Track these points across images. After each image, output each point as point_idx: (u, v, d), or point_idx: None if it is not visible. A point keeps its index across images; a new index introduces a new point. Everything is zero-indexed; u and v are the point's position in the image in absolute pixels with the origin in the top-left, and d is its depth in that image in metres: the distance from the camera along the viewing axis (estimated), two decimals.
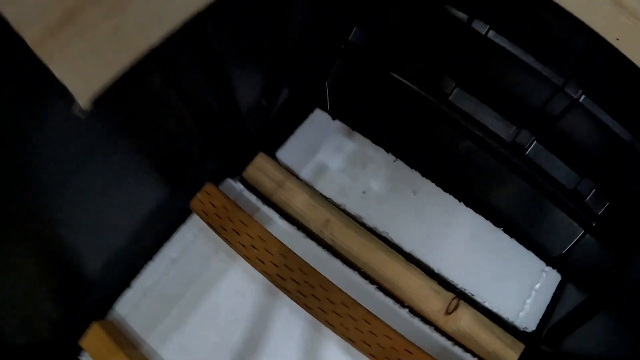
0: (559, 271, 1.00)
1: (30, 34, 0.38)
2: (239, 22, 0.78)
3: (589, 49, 0.77)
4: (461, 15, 0.86)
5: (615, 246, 0.93)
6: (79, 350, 0.86)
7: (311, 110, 1.06)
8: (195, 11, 0.50)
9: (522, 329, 0.95)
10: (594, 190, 0.97)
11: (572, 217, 1.00)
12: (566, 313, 0.91)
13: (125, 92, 0.58)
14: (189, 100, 0.78)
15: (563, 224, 1.01)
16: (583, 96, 0.85)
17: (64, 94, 0.43)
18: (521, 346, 0.90)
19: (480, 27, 0.87)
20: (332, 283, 0.85)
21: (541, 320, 0.96)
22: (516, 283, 0.96)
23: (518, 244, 1.00)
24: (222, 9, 0.55)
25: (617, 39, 0.59)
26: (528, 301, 0.96)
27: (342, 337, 0.83)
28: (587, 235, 1.00)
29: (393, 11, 0.95)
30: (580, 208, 0.98)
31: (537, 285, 0.97)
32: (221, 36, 0.73)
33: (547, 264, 1.00)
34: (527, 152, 0.98)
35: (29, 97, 0.50)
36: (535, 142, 0.98)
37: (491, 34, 0.87)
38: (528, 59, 0.87)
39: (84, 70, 0.44)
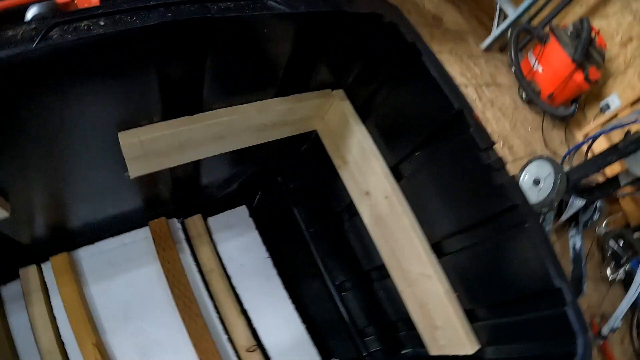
0: None
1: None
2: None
3: None
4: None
5: None
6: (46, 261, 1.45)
7: (240, 204, 1.74)
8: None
9: None
10: (373, 336, 1.60)
11: (353, 344, 1.61)
12: None
13: None
14: (177, 174, 1.41)
15: (346, 344, 1.62)
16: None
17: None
18: None
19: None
20: (197, 301, 1.47)
21: None
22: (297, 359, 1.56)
23: (310, 339, 1.61)
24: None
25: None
26: None
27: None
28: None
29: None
30: (361, 342, 1.60)
31: None
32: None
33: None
34: (344, 294, 1.62)
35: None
36: (351, 291, 1.62)
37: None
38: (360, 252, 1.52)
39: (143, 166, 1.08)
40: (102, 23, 0.65)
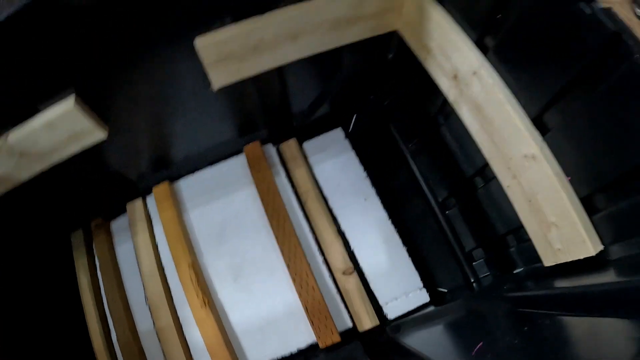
0: (430, 294, 1.47)
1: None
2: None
3: None
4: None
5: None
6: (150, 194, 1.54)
7: (336, 127, 1.67)
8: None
9: (383, 315, 1.44)
10: (482, 260, 1.44)
11: (460, 270, 1.47)
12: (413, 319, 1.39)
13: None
14: (264, 93, 1.40)
15: (451, 270, 1.48)
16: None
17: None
18: (376, 321, 1.40)
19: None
20: (291, 221, 1.44)
21: (398, 316, 1.45)
22: (397, 284, 1.46)
23: (411, 262, 1.49)
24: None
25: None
26: (397, 299, 1.45)
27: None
28: (465, 285, 1.46)
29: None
30: (468, 267, 1.45)
31: (410, 295, 1.45)
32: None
33: (424, 286, 1.47)
34: (448, 212, 1.48)
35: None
36: (455, 208, 1.47)
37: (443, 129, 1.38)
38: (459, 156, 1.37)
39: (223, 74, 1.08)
40: None
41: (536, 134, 0.97)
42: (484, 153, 1.13)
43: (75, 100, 0.97)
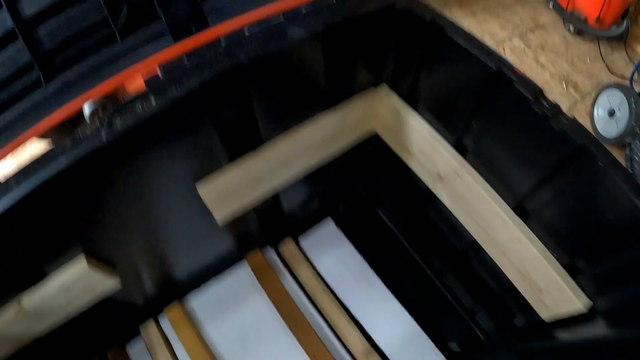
0: (445, 356, 1.60)
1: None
2: None
3: None
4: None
5: None
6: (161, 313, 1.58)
7: (325, 217, 1.79)
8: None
9: None
10: (483, 313, 1.58)
11: (465, 326, 1.60)
12: None
13: None
14: (258, 207, 1.50)
15: (457, 326, 1.62)
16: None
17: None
18: None
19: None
20: (307, 320, 1.54)
21: None
22: (414, 352, 1.59)
23: (421, 329, 1.62)
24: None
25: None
26: None
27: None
28: (472, 338, 1.60)
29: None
30: (472, 322, 1.59)
31: (426, 357, 1.58)
32: None
33: (435, 345, 1.61)
34: (445, 279, 1.62)
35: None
36: (451, 276, 1.61)
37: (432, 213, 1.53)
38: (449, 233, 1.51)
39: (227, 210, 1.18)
40: (153, 101, 0.74)
41: (518, 220, 1.11)
42: (473, 235, 1.27)
43: (87, 260, 0.98)
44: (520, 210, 1.12)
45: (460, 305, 1.58)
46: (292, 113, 1.14)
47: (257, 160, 1.12)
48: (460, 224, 1.29)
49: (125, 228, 1.06)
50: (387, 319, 1.63)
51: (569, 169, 0.96)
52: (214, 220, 1.19)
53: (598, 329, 1.01)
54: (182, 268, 1.54)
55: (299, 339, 1.53)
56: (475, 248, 1.37)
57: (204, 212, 1.15)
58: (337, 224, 1.80)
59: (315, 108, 1.17)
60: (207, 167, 1.08)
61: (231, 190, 1.14)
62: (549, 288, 1.08)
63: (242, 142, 1.09)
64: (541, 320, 1.20)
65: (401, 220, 1.64)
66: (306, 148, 1.21)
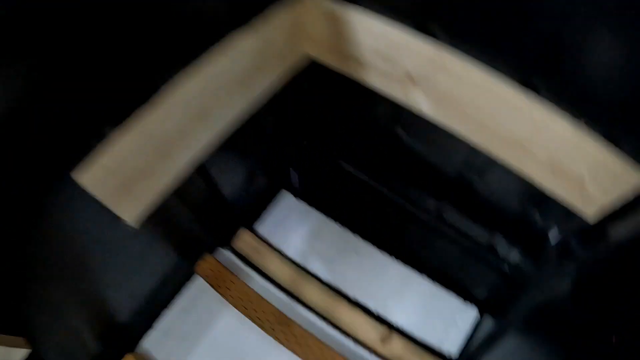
0: (476, 306, 1.29)
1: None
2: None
3: None
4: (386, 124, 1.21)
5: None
6: None
7: (278, 191, 1.42)
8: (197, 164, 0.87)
9: (446, 355, 1.24)
10: (504, 241, 1.29)
11: (487, 265, 1.30)
12: (482, 340, 1.20)
13: None
14: (189, 199, 1.13)
15: (481, 269, 1.32)
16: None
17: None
18: None
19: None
20: (294, 321, 1.18)
21: (463, 346, 1.25)
22: (439, 316, 1.26)
23: (440, 286, 1.30)
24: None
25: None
26: (450, 330, 1.25)
27: None
28: (500, 277, 1.30)
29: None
30: (494, 256, 1.29)
31: (457, 318, 1.27)
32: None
33: (465, 300, 1.29)
34: (445, 216, 1.31)
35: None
36: (450, 208, 1.30)
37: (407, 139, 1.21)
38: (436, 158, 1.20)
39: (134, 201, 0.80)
40: None
41: (535, 97, 0.82)
42: (476, 142, 0.97)
43: None
44: (530, 85, 0.83)
45: (475, 242, 1.27)
46: (189, 36, 0.80)
47: (155, 116, 0.76)
48: (451, 141, 1.00)
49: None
50: (394, 287, 1.28)
51: None
52: (130, 225, 0.82)
53: None
54: (122, 307, 1.17)
55: (293, 350, 1.16)
56: (477, 162, 1.08)
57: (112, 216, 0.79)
58: (296, 195, 1.43)
59: (219, 27, 0.83)
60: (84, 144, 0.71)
61: (130, 169, 0.76)
62: (593, 171, 0.82)
63: (126, 92, 0.74)
64: (584, 226, 0.93)
65: (372, 164, 1.30)
66: (221, 89, 0.87)
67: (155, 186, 0.83)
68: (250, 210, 1.37)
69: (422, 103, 0.96)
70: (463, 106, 0.89)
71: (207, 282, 1.25)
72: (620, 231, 0.86)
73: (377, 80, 0.99)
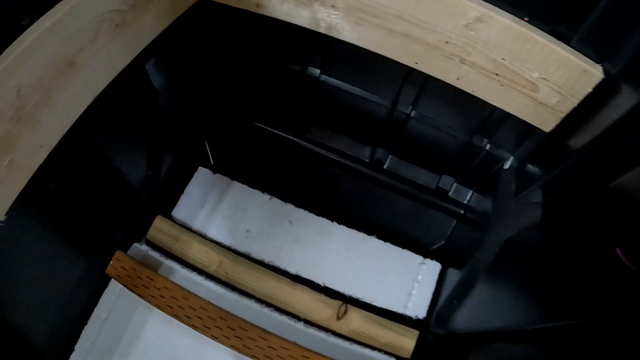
0: (437, 260, 1.14)
1: None
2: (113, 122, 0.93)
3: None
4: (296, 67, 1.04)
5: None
6: None
7: (195, 169, 1.22)
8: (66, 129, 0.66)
9: (414, 318, 1.08)
10: (454, 184, 1.14)
11: (442, 211, 1.16)
12: (449, 296, 1.04)
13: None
14: (85, 190, 0.93)
15: (435, 219, 1.17)
16: (413, 111, 1.03)
17: None
18: (415, 332, 1.04)
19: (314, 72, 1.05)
20: (230, 313, 0.99)
21: (430, 306, 1.10)
22: (397, 279, 1.11)
23: (393, 246, 1.14)
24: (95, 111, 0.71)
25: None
26: (413, 292, 1.10)
27: (247, 356, 0.96)
28: (459, 223, 1.16)
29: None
30: (447, 201, 1.15)
31: (419, 277, 1.11)
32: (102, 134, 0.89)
33: (425, 257, 1.14)
34: (385, 165, 1.15)
35: None
36: (390, 156, 1.15)
37: (323, 77, 1.04)
38: (360, 92, 1.04)
39: None
40: None
41: None
42: (406, 60, 0.83)
43: None
44: None
45: (425, 190, 1.13)
46: None
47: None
48: (373, 73, 0.85)
49: None
50: (340, 255, 1.12)
51: None
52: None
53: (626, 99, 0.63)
54: (37, 331, 0.94)
55: (233, 345, 0.97)
56: (411, 96, 0.94)
57: None
58: (214, 170, 1.22)
59: None
60: None
61: None
62: (548, 71, 0.72)
63: None
64: (541, 142, 0.87)
65: (291, 117, 1.13)
66: (91, 30, 0.64)
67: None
68: (163, 194, 1.16)
69: (343, 30, 0.80)
70: (385, 18, 0.74)
71: (122, 283, 1.04)
72: (579, 141, 0.73)
73: (284, 11, 0.82)
